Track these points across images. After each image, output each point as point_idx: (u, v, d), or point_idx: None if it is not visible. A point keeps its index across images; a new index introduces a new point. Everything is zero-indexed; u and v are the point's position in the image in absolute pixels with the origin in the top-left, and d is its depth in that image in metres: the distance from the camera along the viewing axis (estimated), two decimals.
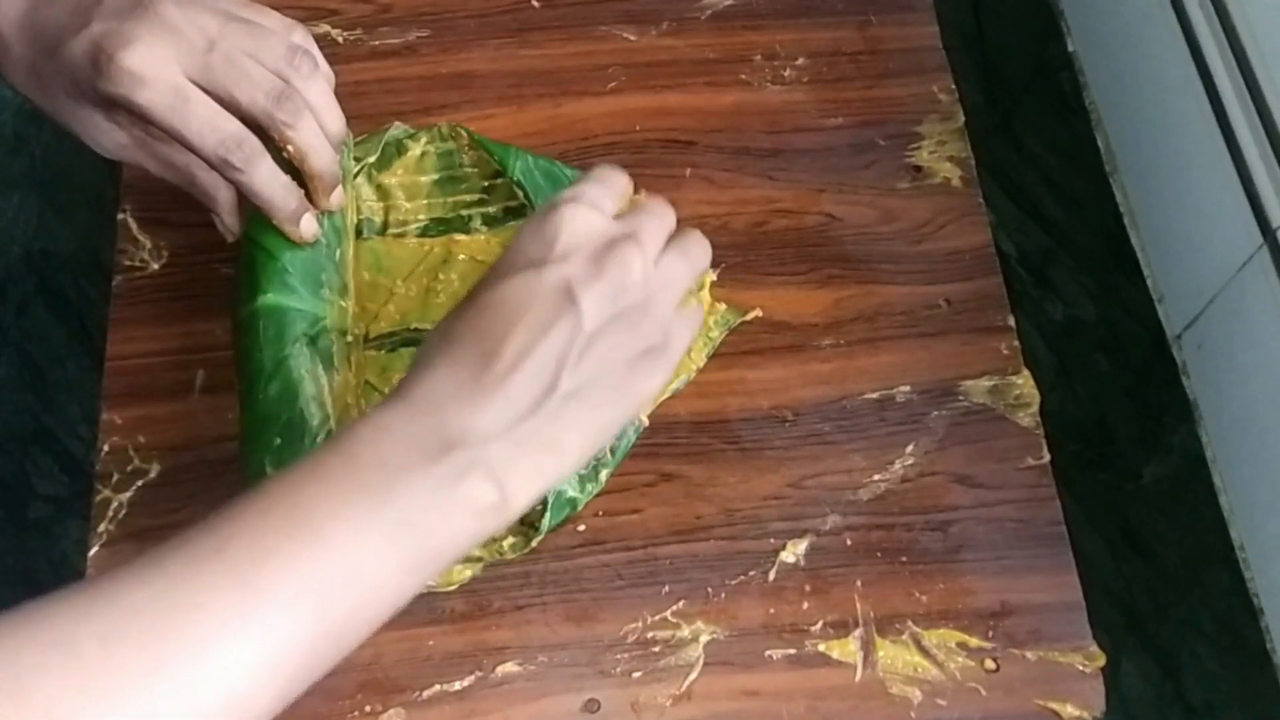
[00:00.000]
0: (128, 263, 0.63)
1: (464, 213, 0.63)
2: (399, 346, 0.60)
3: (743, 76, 0.69)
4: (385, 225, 0.63)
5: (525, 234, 0.46)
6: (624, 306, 0.45)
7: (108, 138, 0.52)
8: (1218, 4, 0.63)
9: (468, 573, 0.55)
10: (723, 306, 0.62)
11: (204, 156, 0.50)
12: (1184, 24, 0.66)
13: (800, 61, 0.70)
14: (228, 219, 0.56)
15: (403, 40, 0.69)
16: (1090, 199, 0.77)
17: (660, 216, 0.48)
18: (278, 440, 0.52)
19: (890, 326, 0.63)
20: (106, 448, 0.58)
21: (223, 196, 0.55)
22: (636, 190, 0.52)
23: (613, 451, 0.57)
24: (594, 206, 0.47)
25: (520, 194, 0.61)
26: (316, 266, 0.55)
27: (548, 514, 0.55)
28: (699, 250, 0.49)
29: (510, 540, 0.56)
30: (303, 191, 0.54)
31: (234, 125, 0.50)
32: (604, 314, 0.44)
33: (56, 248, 1.05)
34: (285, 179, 0.53)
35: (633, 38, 0.70)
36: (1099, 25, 0.75)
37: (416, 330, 0.60)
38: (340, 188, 0.55)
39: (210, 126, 0.50)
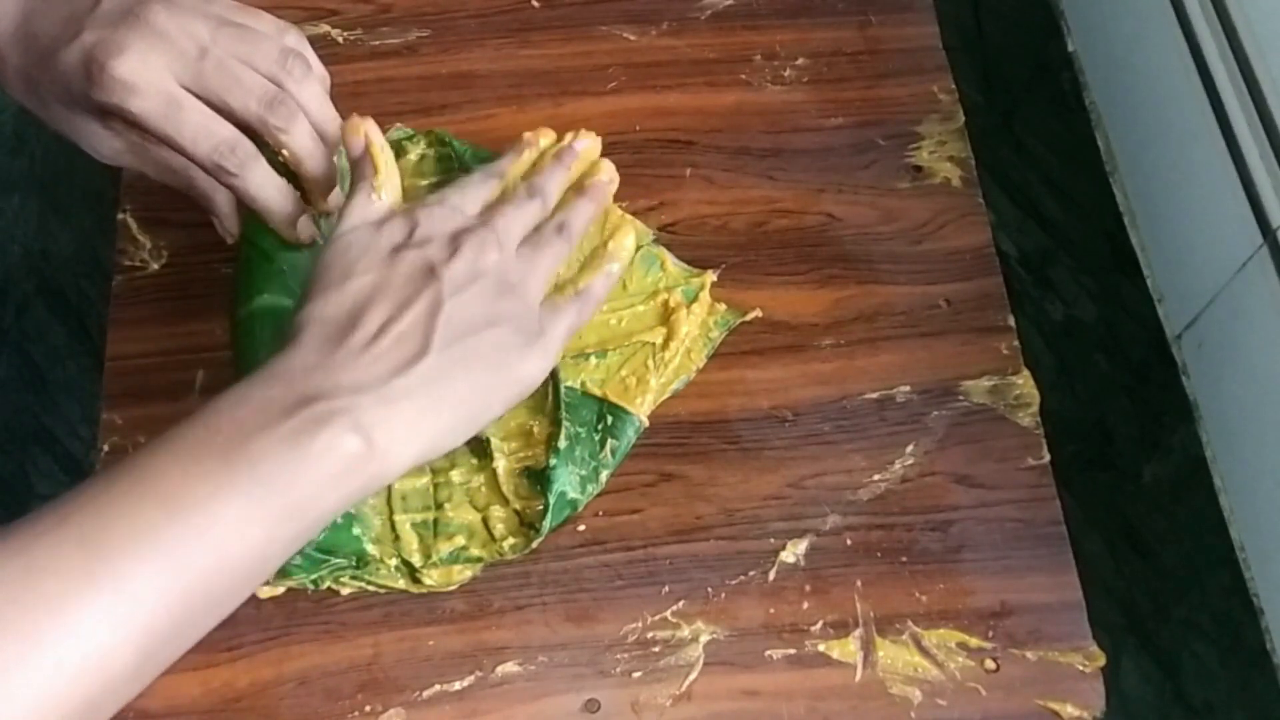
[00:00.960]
0: (128, 263, 0.63)
1: None
2: None
3: (743, 76, 0.69)
4: None
5: (386, 226, 0.49)
6: (484, 283, 0.48)
7: (104, 144, 0.53)
8: (1218, 4, 0.63)
9: (468, 572, 0.55)
10: (723, 307, 0.62)
11: (198, 162, 0.51)
12: (1184, 24, 0.66)
13: (800, 61, 0.70)
14: (227, 221, 0.56)
15: (403, 40, 0.69)
16: (1090, 199, 0.77)
17: (520, 208, 0.51)
18: None
19: (890, 326, 0.63)
20: (106, 448, 0.58)
21: (221, 199, 0.55)
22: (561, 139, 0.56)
23: (613, 452, 0.57)
24: (454, 208, 0.50)
25: None
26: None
27: (548, 515, 0.55)
28: (556, 241, 0.51)
29: (510, 541, 0.56)
30: (299, 194, 0.54)
31: (228, 130, 0.50)
32: (465, 287, 0.47)
33: (56, 248, 1.05)
34: (281, 183, 0.53)
35: (633, 38, 0.70)
36: (1099, 25, 0.75)
37: None
38: (337, 189, 0.55)
39: (204, 133, 0.50)
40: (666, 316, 0.61)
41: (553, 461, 0.56)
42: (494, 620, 0.55)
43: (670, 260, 0.63)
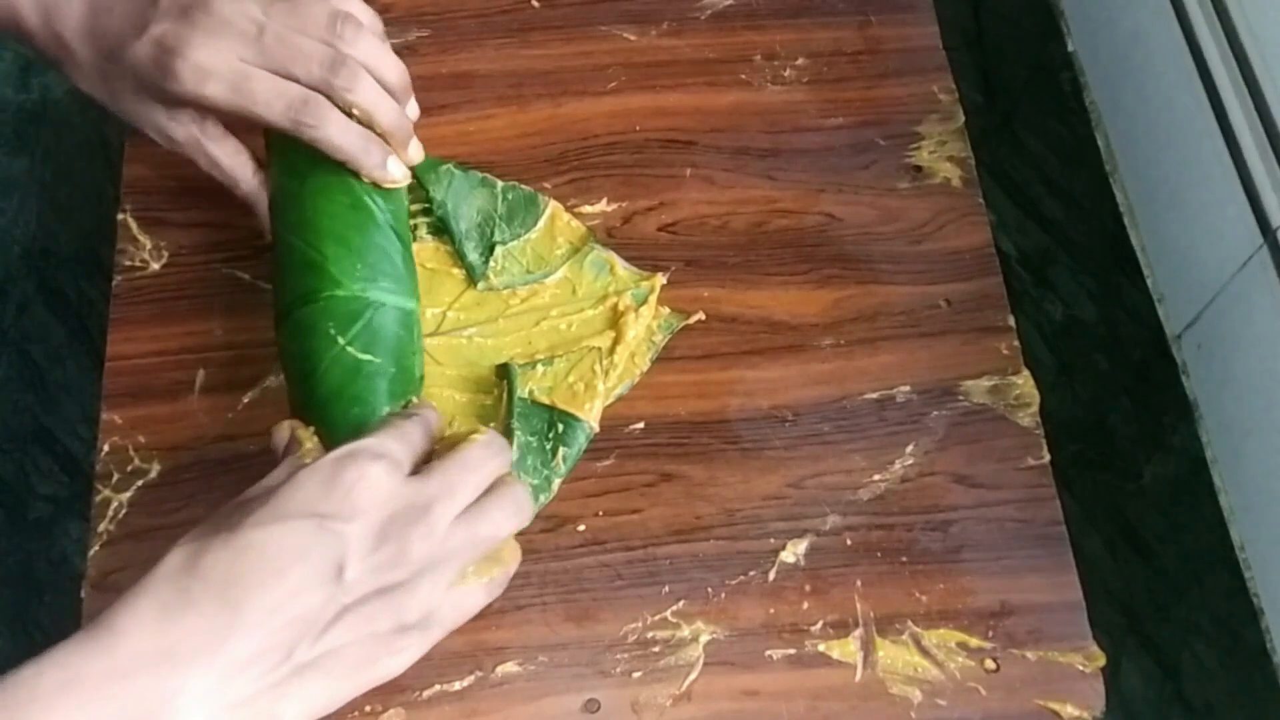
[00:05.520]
0: (128, 263, 0.63)
1: (410, 222, 0.62)
2: None
3: (743, 76, 0.69)
4: None
5: (317, 476, 0.44)
6: (391, 583, 0.44)
7: (173, 132, 0.54)
8: (1218, 4, 0.63)
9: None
10: (666, 310, 0.62)
11: (276, 123, 0.52)
12: (1184, 24, 0.66)
13: (800, 61, 0.70)
14: (267, 220, 0.57)
15: (403, 40, 0.69)
16: (1090, 199, 0.77)
17: (472, 470, 0.47)
18: None
19: (890, 326, 0.63)
20: (106, 448, 0.58)
21: (265, 198, 0.56)
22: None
23: (565, 460, 0.57)
24: (395, 465, 0.46)
25: (445, 224, 0.61)
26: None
27: None
28: (502, 515, 0.48)
29: None
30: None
31: (297, 89, 0.52)
32: (366, 590, 0.43)
33: (56, 248, 1.05)
34: (360, 128, 0.54)
35: (633, 38, 0.70)
36: (1099, 25, 0.75)
37: None
38: (416, 140, 0.57)
39: (275, 94, 0.52)
40: (615, 320, 0.60)
41: None
42: (494, 620, 0.55)
43: (620, 264, 0.62)
